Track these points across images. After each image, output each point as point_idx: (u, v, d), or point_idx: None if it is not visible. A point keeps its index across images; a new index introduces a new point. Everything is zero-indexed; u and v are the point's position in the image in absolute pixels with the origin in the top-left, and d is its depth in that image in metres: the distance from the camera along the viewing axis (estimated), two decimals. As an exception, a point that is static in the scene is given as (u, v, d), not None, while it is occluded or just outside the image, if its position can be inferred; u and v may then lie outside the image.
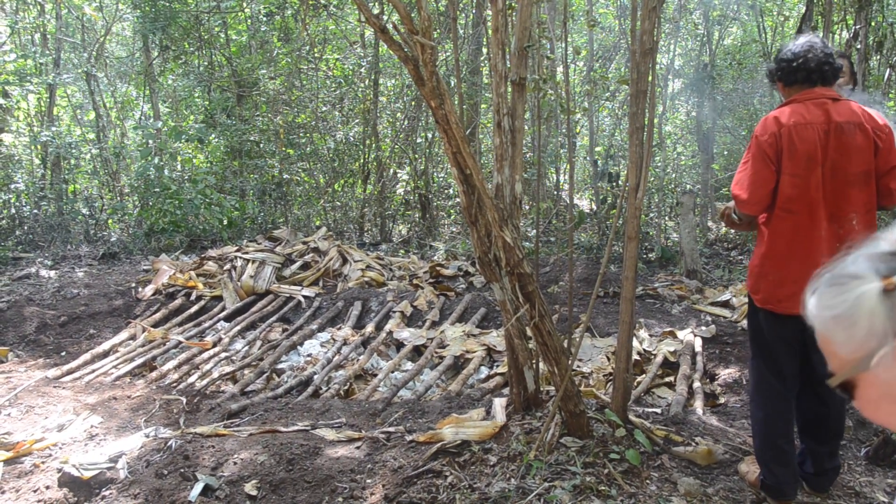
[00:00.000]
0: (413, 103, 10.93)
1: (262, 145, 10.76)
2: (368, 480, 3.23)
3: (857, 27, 6.88)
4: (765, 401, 2.94)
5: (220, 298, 6.84)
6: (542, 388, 3.70)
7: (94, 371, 5.23)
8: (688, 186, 10.79)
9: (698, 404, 4.26)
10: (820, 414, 2.96)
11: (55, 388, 4.76)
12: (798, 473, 2.99)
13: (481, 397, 4.46)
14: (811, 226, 2.75)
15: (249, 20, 11.34)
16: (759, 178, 2.76)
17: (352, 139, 11.08)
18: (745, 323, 5.67)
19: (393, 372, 5.26)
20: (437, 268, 7.80)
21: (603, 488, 2.93)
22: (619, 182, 9.07)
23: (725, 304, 6.34)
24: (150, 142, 9.92)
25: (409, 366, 5.41)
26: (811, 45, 2.81)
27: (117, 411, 4.40)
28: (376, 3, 10.11)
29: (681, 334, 5.45)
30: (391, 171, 11.50)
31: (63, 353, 5.74)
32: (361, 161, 11.17)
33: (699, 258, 7.70)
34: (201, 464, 3.41)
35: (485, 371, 5.24)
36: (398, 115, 11.32)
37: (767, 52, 10.78)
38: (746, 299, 6.08)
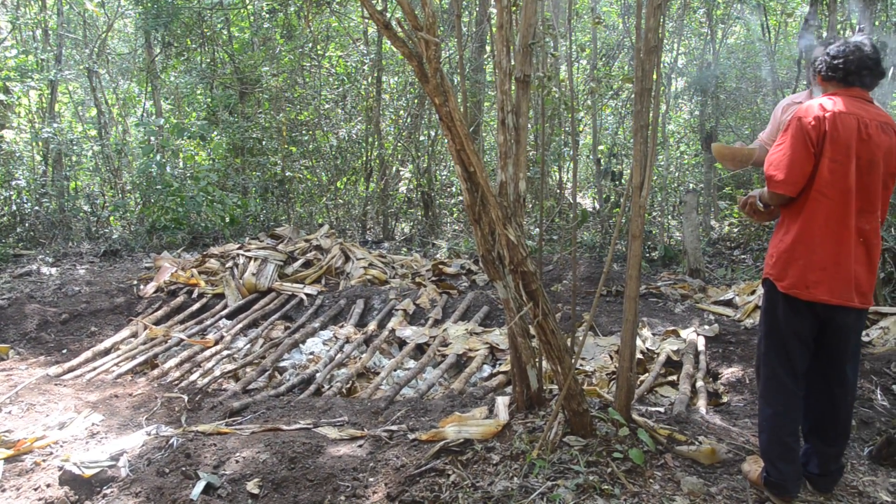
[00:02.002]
0: (416, 101, 10.92)
1: (264, 142, 10.74)
2: (371, 479, 3.22)
3: (861, 26, 6.85)
4: (774, 397, 2.94)
5: (221, 296, 6.84)
6: (545, 387, 3.69)
7: (95, 369, 5.22)
8: (691, 185, 10.77)
9: (702, 403, 4.25)
10: (830, 414, 2.96)
11: (56, 385, 4.75)
12: (801, 471, 2.98)
13: (484, 396, 4.45)
14: (844, 214, 2.78)
15: (252, 17, 11.33)
16: (798, 158, 2.78)
17: (354, 137, 11.06)
18: (748, 322, 5.67)
19: (395, 370, 5.25)
20: (440, 266, 7.79)
21: (606, 487, 2.92)
22: (622, 180, 9.05)
23: (728, 303, 6.32)
24: (152, 139, 9.91)
25: (411, 364, 5.40)
26: (858, 47, 2.86)
27: (118, 409, 4.39)
28: (380, 0, 10.09)
29: (684, 333, 5.43)
30: (394, 168, 11.48)
31: (64, 351, 5.73)
32: (364, 159, 11.15)
33: (702, 257, 7.68)
34: (203, 462, 3.40)
35: (487, 369, 5.23)
36: (401, 112, 11.30)
37: (771, 50, 10.75)
38: (750, 298, 6.11)
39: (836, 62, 2.86)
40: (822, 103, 2.80)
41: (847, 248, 2.78)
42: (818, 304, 2.82)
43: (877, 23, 7.38)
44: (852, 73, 2.83)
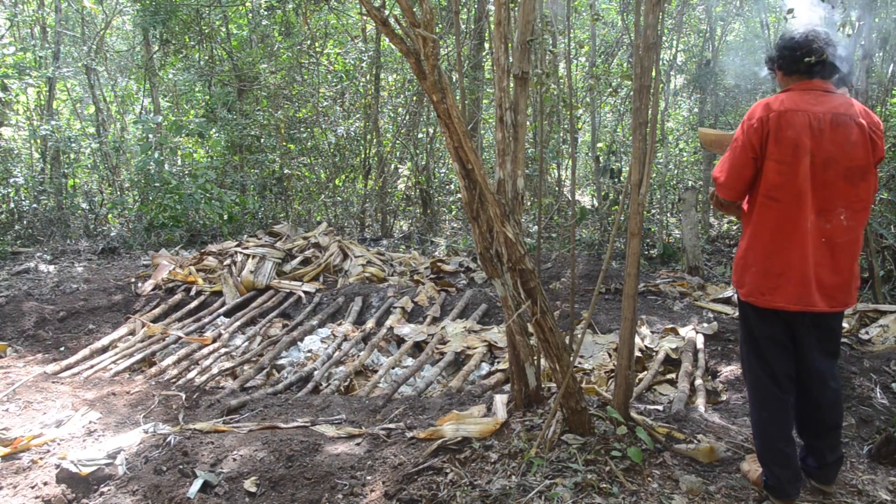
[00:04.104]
0: (414, 98, 10.90)
1: (262, 140, 10.73)
2: (368, 477, 3.21)
3: (861, 24, 6.83)
4: (761, 403, 2.90)
5: (219, 294, 6.82)
6: (543, 385, 3.68)
7: (92, 366, 5.21)
8: (690, 183, 10.76)
9: (700, 401, 4.24)
10: (812, 409, 2.91)
11: (54, 383, 4.74)
12: (800, 472, 2.96)
13: (482, 394, 4.44)
14: (798, 216, 2.69)
15: (250, 14, 11.30)
16: (737, 162, 2.74)
17: (353, 134, 11.05)
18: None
19: (393, 368, 5.24)
20: (438, 264, 7.78)
21: (604, 486, 2.91)
22: (621, 178, 9.04)
23: (727, 301, 6.31)
24: (151, 136, 9.89)
25: (409, 362, 5.39)
26: (815, 35, 2.75)
27: (116, 407, 4.38)
28: (377, -3, 10.04)
29: (683, 331, 5.43)
30: (392, 166, 11.47)
31: (62, 349, 5.72)
32: (362, 156, 11.13)
33: (701, 255, 7.67)
34: (200, 460, 3.39)
35: (486, 367, 5.22)
36: (399, 109, 11.29)
37: (770, 47, 10.73)
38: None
39: (798, 54, 2.75)
40: (770, 102, 2.71)
41: (804, 252, 2.69)
42: (780, 310, 2.76)
43: (876, 19, 7.37)
44: (807, 64, 2.72)
